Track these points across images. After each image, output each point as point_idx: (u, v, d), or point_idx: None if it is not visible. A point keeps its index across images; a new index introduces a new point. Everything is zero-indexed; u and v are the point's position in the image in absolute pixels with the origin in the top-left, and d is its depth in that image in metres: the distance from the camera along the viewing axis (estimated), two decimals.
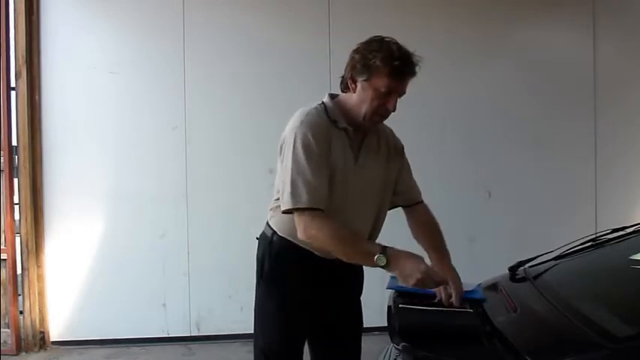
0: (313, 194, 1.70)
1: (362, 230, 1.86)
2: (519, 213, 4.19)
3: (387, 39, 1.79)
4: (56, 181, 3.98)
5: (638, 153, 4.32)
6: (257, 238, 1.97)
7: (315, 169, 1.72)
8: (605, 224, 2.37)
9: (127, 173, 4.01)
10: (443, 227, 4.05)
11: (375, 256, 1.67)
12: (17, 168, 3.97)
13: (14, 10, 3.89)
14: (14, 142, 3.95)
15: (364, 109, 1.79)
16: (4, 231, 3.91)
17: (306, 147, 1.72)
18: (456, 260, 4.32)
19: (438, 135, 4.17)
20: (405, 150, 2.03)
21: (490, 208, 4.21)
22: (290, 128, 1.79)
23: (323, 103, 1.86)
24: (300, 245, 1.83)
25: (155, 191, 4.00)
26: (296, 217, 1.74)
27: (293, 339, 1.91)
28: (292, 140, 1.74)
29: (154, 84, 4.02)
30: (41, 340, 3.97)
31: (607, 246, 2.14)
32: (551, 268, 2.05)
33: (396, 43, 1.78)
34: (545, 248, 2.14)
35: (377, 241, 1.88)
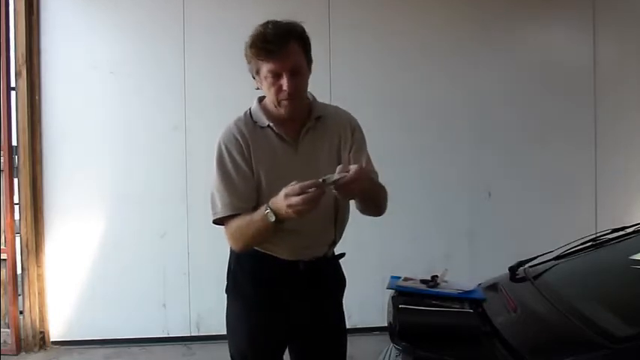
0: (228, 204, 1.77)
1: (320, 220, 1.81)
2: (519, 213, 4.19)
3: (261, 25, 1.75)
4: (56, 181, 3.97)
5: (638, 152, 4.32)
6: None
7: (227, 182, 1.78)
8: (605, 224, 2.37)
9: (127, 173, 4.01)
10: (443, 227, 4.04)
11: (267, 220, 1.64)
12: (17, 168, 3.96)
13: (14, 10, 3.89)
14: (14, 142, 3.95)
15: (269, 98, 1.78)
16: (4, 231, 3.91)
17: (218, 159, 1.82)
18: (456, 260, 4.34)
19: (437, 135, 4.16)
20: (361, 136, 1.89)
21: (490, 208, 4.21)
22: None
23: (249, 108, 1.88)
24: (261, 250, 1.83)
25: (155, 191, 4.00)
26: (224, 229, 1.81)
27: (258, 345, 1.87)
28: (213, 155, 1.84)
29: (154, 84, 4.02)
30: (41, 340, 3.97)
31: (607, 246, 2.15)
32: (551, 268, 2.05)
33: (264, 25, 1.73)
34: (545, 248, 2.14)
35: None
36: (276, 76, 1.71)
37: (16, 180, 3.97)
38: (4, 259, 3.90)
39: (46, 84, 3.97)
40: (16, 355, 3.87)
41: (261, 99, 1.88)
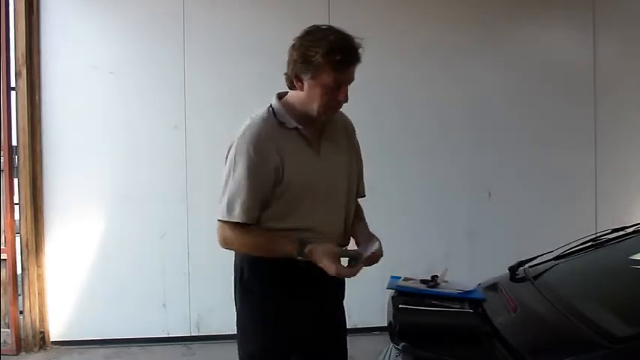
0: (248, 210, 1.74)
1: (336, 222, 1.86)
2: (519, 213, 4.19)
3: (323, 28, 1.75)
4: (56, 181, 3.97)
5: (638, 152, 4.32)
6: None
7: (253, 184, 1.74)
8: (605, 224, 2.37)
9: (127, 173, 4.01)
10: (443, 227, 4.05)
11: (293, 256, 1.72)
12: (17, 168, 3.96)
13: (14, 10, 3.88)
14: (14, 142, 3.95)
15: (316, 105, 1.75)
16: (4, 231, 3.90)
17: (246, 161, 1.74)
18: (456, 260, 4.35)
19: (437, 135, 4.16)
20: (357, 141, 1.99)
21: (490, 208, 4.21)
22: (235, 137, 1.80)
23: (271, 105, 1.84)
24: None
25: (155, 191, 4.00)
26: (219, 225, 1.79)
27: (272, 351, 1.86)
28: (234, 152, 1.77)
29: (154, 84, 4.02)
30: (41, 340, 3.97)
31: (607, 246, 2.15)
32: (551, 268, 2.05)
33: (334, 32, 1.73)
34: (545, 248, 2.14)
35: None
36: (338, 86, 1.73)
37: (16, 180, 3.96)
38: (4, 259, 3.89)
39: (46, 84, 3.97)
40: (16, 355, 3.87)
41: (280, 95, 1.86)
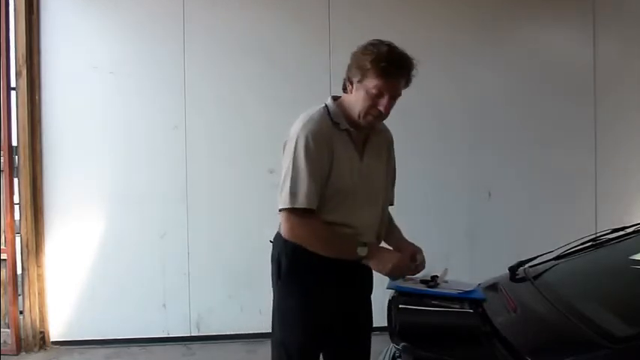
0: (309, 196, 1.81)
1: (373, 225, 1.96)
2: (519, 213, 4.19)
3: (384, 42, 1.86)
4: (56, 181, 3.97)
5: (638, 152, 4.32)
6: (271, 241, 1.99)
7: (312, 172, 1.82)
8: (605, 224, 2.37)
9: (127, 173, 4.01)
10: (443, 227, 4.04)
11: (357, 247, 1.84)
12: (17, 168, 3.97)
13: (14, 10, 3.89)
14: (14, 142, 3.95)
15: (358, 108, 1.87)
16: (4, 231, 3.90)
17: (306, 151, 1.82)
18: (455, 260, 4.35)
19: (437, 135, 4.16)
20: (394, 153, 2.15)
21: (490, 208, 4.20)
22: (293, 131, 1.87)
23: (326, 105, 1.93)
24: None
25: (155, 191, 4.00)
26: (285, 216, 1.85)
27: (315, 336, 1.92)
28: (294, 143, 1.84)
29: (153, 84, 4.02)
30: (41, 340, 3.97)
31: (607, 246, 2.14)
32: (551, 268, 2.05)
33: (390, 46, 1.84)
34: (545, 248, 2.14)
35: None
36: (380, 94, 1.83)
37: (16, 180, 3.97)
38: (4, 259, 3.89)
39: (46, 84, 3.97)
40: (16, 355, 3.87)
41: (335, 98, 1.95)
